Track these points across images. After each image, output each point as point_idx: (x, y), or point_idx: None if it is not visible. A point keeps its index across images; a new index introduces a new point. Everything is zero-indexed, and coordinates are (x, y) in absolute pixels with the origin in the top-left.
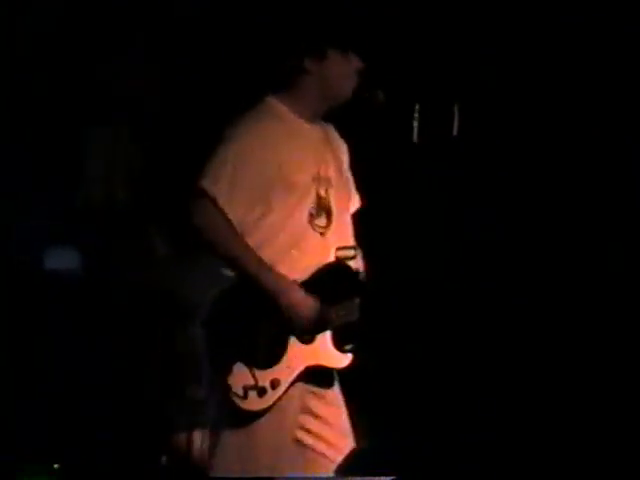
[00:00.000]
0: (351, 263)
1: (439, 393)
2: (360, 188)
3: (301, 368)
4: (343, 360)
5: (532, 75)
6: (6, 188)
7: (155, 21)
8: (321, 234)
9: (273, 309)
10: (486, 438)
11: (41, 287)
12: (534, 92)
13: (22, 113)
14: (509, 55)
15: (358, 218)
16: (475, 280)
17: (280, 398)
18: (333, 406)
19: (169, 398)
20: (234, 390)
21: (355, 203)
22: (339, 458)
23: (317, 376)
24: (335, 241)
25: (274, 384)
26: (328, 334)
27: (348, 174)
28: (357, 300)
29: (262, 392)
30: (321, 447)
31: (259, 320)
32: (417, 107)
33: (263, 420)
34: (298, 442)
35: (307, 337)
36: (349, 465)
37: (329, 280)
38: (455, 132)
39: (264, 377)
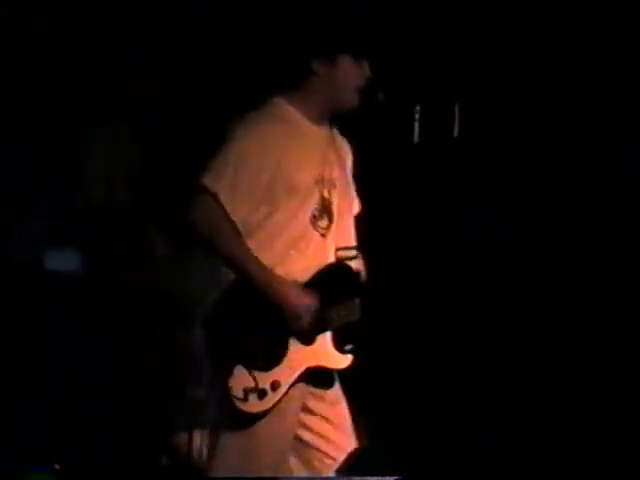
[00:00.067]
0: (352, 264)
1: (441, 393)
2: (361, 189)
3: (301, 369)
4: (343, 361)
5: (532, 75)
6: (6, 188)
7: (155, 21)
8: (322, 235)
9: (273, 310)
10: (490, 438)
11: (41, 287)
12: (535, 92)
13: (22, 113)
14: (509, 55)
15: (358, 218)
16: (475, 280)
17: (280, 400)
18: (334, 406)
19: (169, 398)
20: (234, 393)
21: (355, 207)
22: (341, 456)
23: (317, 377)
24: (336, 242)
25: (274, 386)
26: (328, 335)
27: (350, 177)
28: (358, 300)
29: (262, 394)
30: (320, 443)
31: (259, 322)
32: (418, 108)
33: (263, 422)
34: (297, 439)
35: (307, 338)
36: (352, 465)
37: (330, 280)
38: (456, 133)
39: (264, 379)
